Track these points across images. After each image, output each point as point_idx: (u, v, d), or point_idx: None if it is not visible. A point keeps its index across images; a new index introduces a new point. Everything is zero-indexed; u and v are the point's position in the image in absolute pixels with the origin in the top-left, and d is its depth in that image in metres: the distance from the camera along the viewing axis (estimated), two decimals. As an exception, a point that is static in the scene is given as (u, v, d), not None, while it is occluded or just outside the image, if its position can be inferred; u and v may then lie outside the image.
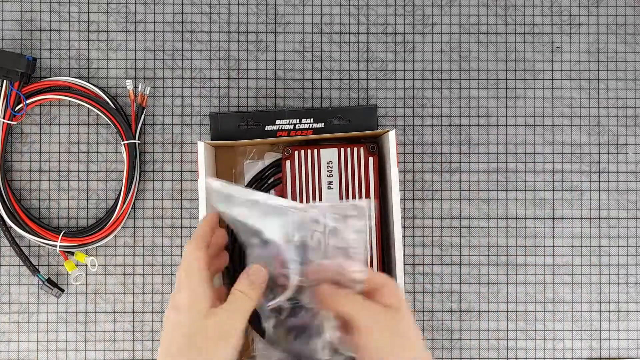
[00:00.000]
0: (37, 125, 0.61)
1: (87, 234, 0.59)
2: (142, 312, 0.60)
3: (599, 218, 0.62)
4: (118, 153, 0.61)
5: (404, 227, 0.61)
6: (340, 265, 0.42)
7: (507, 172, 0.62)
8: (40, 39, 0.61)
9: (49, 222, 0.60)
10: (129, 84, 0.60)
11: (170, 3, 0.61)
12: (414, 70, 0.62)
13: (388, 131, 0.53)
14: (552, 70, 0.62)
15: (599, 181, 0.62)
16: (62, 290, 0.59)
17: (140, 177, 0.60)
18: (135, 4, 0.61)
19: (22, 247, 0.59)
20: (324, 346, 0.42)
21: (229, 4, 0.61)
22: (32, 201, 0.61)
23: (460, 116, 0.62)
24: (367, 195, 0.55)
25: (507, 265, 0.61)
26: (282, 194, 0.57)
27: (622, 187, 0.62)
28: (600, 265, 0.62)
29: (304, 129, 0.58)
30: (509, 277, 0.61)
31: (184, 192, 0.61)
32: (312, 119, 0.58)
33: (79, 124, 0.61)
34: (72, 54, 0.61)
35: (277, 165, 0.59)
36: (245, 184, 0.59)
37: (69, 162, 0.61)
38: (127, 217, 0.60)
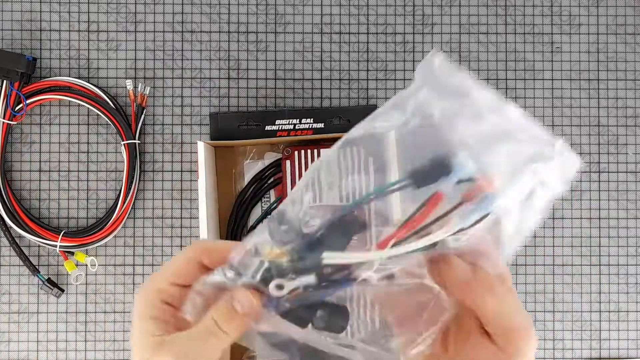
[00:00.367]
0: (37, 125, 0.61)
1: (87, 234, 0.59)
2: (142, 312, 0.60)
3: (599, 218, 0.62)
4: (118, 153, 0.61)
5: (404, 227, 0.61)
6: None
7: (507, 172, 0.62)
8: (40, 39, 0.61)
9: (49, 222, 0.60)
10: (129, 84, 0.60)
11: (170, 3, 0.61)
12: (413, 70, 0.62)
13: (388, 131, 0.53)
14: (552, 70, 0.62)
15: (599, 181, 0.62)
16: (62, 290, 0.59)
17: (140, 177, 0.60)
18: (135, 3, 0.61)
19: (22, 247, 0.59)
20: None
21: (229, 4, 0.61)
22: (32, 201, 0.60)
23: (460, 116, 0.62)
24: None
25: (506, 265, 0.61)
26: (282, 194, 0.57)
27: (622, 187, 0.62)
28: (600, 265, 0.62)
29: (304, 129, 0.58)
30: (509, 277, 0.61)
31: (184, 192, 0.61)
32: (312, 119, 0.58)
33: (79, 124, 0.61)
34: (72, 54, 0.61)
35: (277, 165, 0.59)
36: (245, 184, 0.59)
37: (69, 162, 0.61)
38: (127, 217, 0.60)
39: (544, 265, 0.62)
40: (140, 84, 0.60)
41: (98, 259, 0.60)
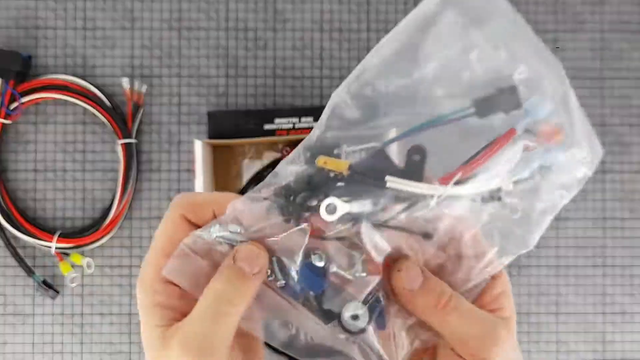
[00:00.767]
0: (32, 124, 0.60)
1: (83, 234, 0.59)
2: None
3: (604, 218, 0.61)
4: (114, 152, 0.60)
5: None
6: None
7: (510, 171, 0.61)
8: (36, 37, 0.60)
9: (44, 223, 0.60)
10: (126, 82, 0.59)
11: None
12: (415, 68, 0.61)
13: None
14: (556, 68, 0.62)
15: (604, 181, 0.61)
16: (58, 292, 0.59)
17: (137, 176, 0.60)
18: (132, 0, 0.60)
19: (17, 248, 0.59)
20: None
21: (227, 1, 0.61)
22: (27, 201, 0.60)
23: (462, 115, 0.61)
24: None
25: (510, 266, 0.61)
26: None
27: (627, 188, 0.62)
28: (604, 266, 0.61)
29: (303, 127, 0.58)
30: (512, 278, 0.61)
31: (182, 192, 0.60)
32: (311, 118, 0.58)
33: (74, 123, 0.60)
34: (68, 52, 0.60)
35: (276, 165, 0.58)
36: (244, 184, 0.59)
37: (64, 161, 0.60)
38: (124, 218, 0.59)
39: (548, 266, 0.61)
40: (136, 82, 0.60)
41: (94, 260, 0.60)
